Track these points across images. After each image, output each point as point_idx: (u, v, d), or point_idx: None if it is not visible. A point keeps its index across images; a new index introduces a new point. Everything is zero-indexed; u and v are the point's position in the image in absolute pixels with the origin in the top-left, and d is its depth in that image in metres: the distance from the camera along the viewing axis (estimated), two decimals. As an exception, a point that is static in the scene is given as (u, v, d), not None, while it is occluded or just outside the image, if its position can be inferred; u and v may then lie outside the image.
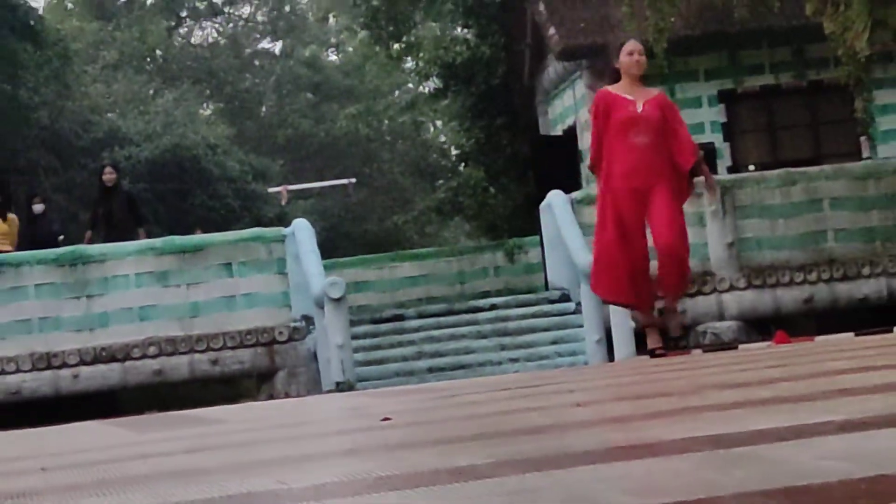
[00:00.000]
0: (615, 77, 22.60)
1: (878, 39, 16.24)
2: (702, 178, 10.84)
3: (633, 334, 17.25)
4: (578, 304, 18.93)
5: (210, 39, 55.91)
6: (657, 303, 10.61)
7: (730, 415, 3.86)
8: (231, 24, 56.99)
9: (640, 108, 10.02)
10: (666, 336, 11.46)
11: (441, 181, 39.20)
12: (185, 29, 55.89)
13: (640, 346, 17.57)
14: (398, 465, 3.35)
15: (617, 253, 10.18)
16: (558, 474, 2.50)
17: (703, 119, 22.50)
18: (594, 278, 11.04)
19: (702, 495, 1.88)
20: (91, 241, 20.54)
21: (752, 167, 22.01)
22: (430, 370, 18.01)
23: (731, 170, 22.51)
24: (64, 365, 17.69)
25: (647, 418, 4.29)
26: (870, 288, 19.17)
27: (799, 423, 3.10)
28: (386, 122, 45.65)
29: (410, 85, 40.31)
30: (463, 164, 33.07)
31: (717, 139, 22.28)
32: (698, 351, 16.70)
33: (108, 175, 21.44)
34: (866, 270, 18.94)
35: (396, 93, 42.33)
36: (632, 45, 10.87)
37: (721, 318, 18.93)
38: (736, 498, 1.83)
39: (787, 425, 3.14)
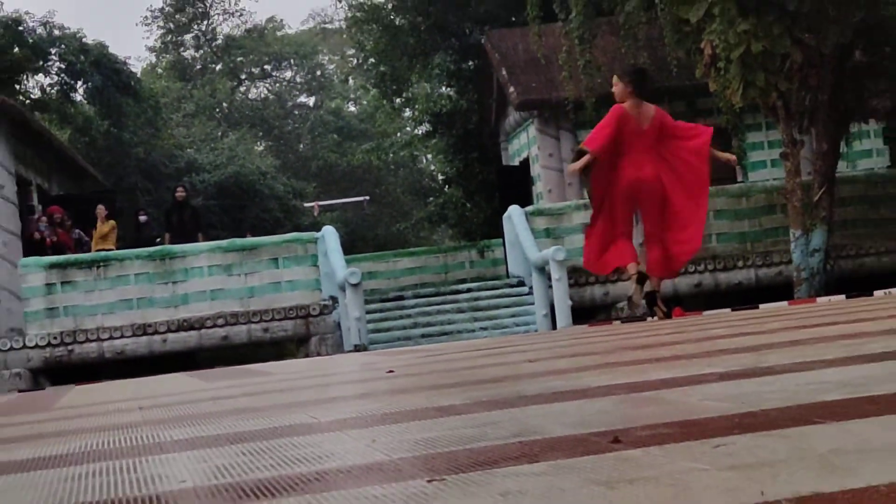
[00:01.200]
0: (557, 124, 22.76)
1: (748, 95, 16.35)
2: (724, 155, 11.03)
3: (570, 310, 18.15)
4: (530, 287, 19.35)
5: (262, 95, 56.08)
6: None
7: (640, 368, 4.01)
8: (277, 84, 57.09)
9: (646, 125, 9.99)
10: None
11: (431, 199, 38.41)
12: (244, 87, 55.62)
13: (576, 319, 18.42)
14: (399, 405, 3.52)
15: (599, 233, 10.22)
16: (514, 412, 2.75)
17: None
18: (592, 263, 11.06)
19: (620, 426, 2.14)
20: (171, 242, 20.52)
21: None
22: (423, 336, 18.45)
23: None
24: (156, 332, 18.23)
25: (580, 370, 4.33)
26: (742, 276, 19.63)
27: (690, 374, 3.30)
28: (391, 155, 44.05)
29: (408, 129, 39.24)
30: (447, 186, 33.02)
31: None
32: (618, 322, 17.04)
33: (179, 193, 22.25)
34: (740, 263, 19.60)
35: (398, 134, 41.79)
36: (613, 78, 10.80)
37: (628, 292, 21.11)
38: (645, 428, 2.07)
39: (681, 375, 3.34)
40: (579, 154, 10.63)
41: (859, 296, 14.83)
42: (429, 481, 1.69)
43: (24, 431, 4.55)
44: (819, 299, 15.72)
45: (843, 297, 15.49)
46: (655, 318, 10.80)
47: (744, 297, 18.31)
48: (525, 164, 24.28)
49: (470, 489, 1.61)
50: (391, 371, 6.15)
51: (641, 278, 10.83)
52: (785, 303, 16.02)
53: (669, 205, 10.45)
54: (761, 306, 15.47)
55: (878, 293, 15.35)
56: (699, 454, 1.71)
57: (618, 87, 10.39)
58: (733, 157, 11.44)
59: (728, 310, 15.44)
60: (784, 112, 17.16)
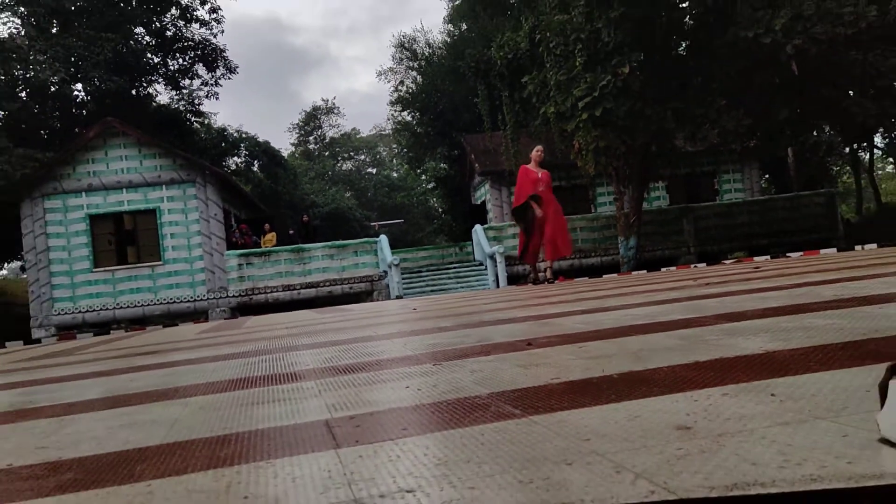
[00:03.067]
0: (500, 183, 23.60)
1: (597, 168, 17.63)
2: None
3: (507, 278, 19.31)
4: (485, 266, 20.40)
5: (349, 168, 62.45)
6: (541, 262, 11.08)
7: (542, 307, 4.27)
8: (356, 162, 63.78)
9: (540, 175, 10.80)
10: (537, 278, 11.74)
11: (435, 221, 40.86)
12: (340, 163, 61.70)
13: (510, 282, 19.50)
14: (418, 326, 3.78)
15: (533, 243, 10.94)
16: (478, 329, 3.04)
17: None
18: (522, 256, 11.61)
19: (531, 337, 2.32)
20: (302, 242, 21.64)
21: None
22: (432, 291, 19.34)
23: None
24: (294, 289, 19.82)
25: (512, 309, 4.55)
26: (594, 261, 21.09)
27: (567, 310, 3.62)
28: (415, 199, 50.12)
29: (424, 185, 43.12)
30: (443, 214, 35.72)
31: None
32: (531, 284, 15.92)
33: (305, 218, 24.45)
34: (593, 254, 21.19)
35: (419, 188, 46.41)
36: (539, 148, 11.16)
37: (545, 270, 19.42)
38: (544, 338, 2.24)
39: (563, 311, 3.65)
40: (515, 213, 11.45)
41: (653, 271, 15.83)
42: (434, 364, 1.95)
43: (227, 339, 4.71)
44: (633, 273, 16.59)
45: (645, 271, 16.48)
46: (548, 282, 11.33)
47: (595, 272, 19.49)
48: (483, 204, 25.68)
49: (455, 368, 1.85)
50: (415, 309, 6.36)
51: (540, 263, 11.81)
52: (616, 274, 16.82)
53: (554, 222, 11.12)
54: (604, 276, 16.20)
55: (662, 270, 16.50)
56: (571, 351, 1.93)
57: (538, 152, 11.05)
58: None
59: (587, 278, 16.31)
60: (615, 177, 18.49)
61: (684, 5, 16.47)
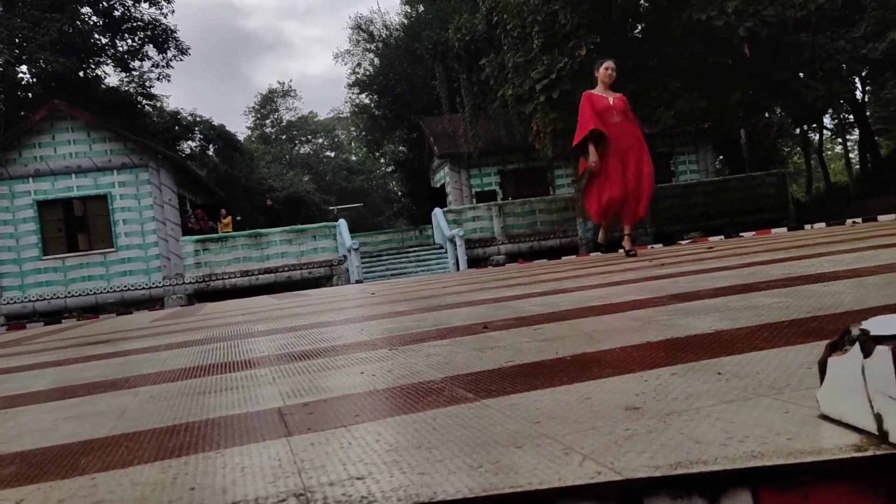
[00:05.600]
0: (459, 166, 23.86)
1: (555, 151, 17.55)
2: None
3: (467, 261, 19.25)
4: (445, 249, 20.32)
5: (307, 151, 62.07)
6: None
7: (499, 290, 4.32)
8: (314, 145, 63.55)
9: (612, 101, 7.41)
10: (618, 246, 8.74)
11: (395, 204, 40.91)
12: (297, 146, 61.26)
13: (472, 265, 19.48)
14: (376, 311, 3.79)
15: (600, 196, 7.32)
16: (434, 313, 3.02)
17: (493, 181, 24.52)
18: (593, 215, 7.62)
19: (487, 320, 2.36)
20: (263, 227, 21.57)
21: (510, 198, 22.81)
22: (391, 275, 19.26)
23: (503, 199, 23.44)
24: (252, 275, 19.71)
25: (470, 292, 4.54)
26: (553, 243, 21.24)
27: (524, 293, 3.63)
28: (375, 182, 50.62)
29: (383, 168, 43.26)
30: (403, 198, 36.13)
31: (497, 188, 24.38)
32: (490, 266, 18.19)
33: (269, 202, 24.20)
34: (552, 236, 21.27)
35: (378, 171, 46.84)
36: (609, 63, 7.58)
37: (499, 254, 21.18)
38: (500, 321, 2.30)
39: (520, 294, 3.66)
40: (574, 153, 8.10)
41: (607, 252, 17.23)
42: (389, 349, 1.95)
43: (182, 327, 4.68)
44: (591, 254, 16.76)
45: (600, 253, 15.99)
46: (630, 255, 7.64)
47: (555, 253, 19.71)
48: (443, 187, 25.70)
49: (410, 353, 1.85)
50: (374, 294, 6.37)
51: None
52: (574, 256, 17.33)
53: (639, 173, 7.71)
54: (563, 258, 16.52)
55: (620, 251, 17.68)
56: (526, 334, 1.94)
57: (608, 70, 7.57)
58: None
59: (545, 260, 16.83)
60: (574, 159, 16.45)
61: (641, -13, 16.33)
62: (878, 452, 0.72)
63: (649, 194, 7.46)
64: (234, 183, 37.13)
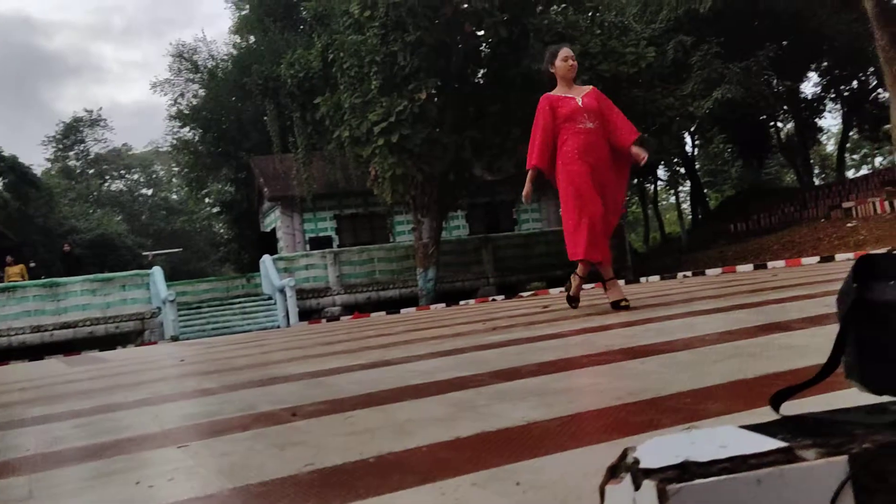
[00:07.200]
0: (291, 209, 23.63)
1: (394, 197, 17.93)
2: (637, 148, 5.64)
3: (299, 313, 19.11)
4: (275, 301, 20.09)
5: (120, 188, 59.80)
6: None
7: (321, 358, 4.46)
8: (129, 182, 60.80)
9: (580, 102, 5.83)
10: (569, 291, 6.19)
11: (221, 248, 39.88)
12: (108, 183, 58.93)
13: (304, 317, 19.33)
14: (179, 388, 3.69)
15: (578, 221, 5.61)
16: (243, 393, 2.91)
17: (328, 226, 24.56)
18: (568, 248, 5.74)
19: (299, 404, 2.54)
20: (62, 276, 20.62)
21: (346, 245, 23.05)
22: (213, 329, 18.97)
23: (339, 246, 23.67)
24: (45, 330, 19.05)
25: (289, 362, 4.63)
26: (392, 294, 21.61)
27: (346, 364, 3.93)
28: (198, 224, 49.48)
29: (209, 209, 42.41)
30: (230, 242, 35.44)
31: (332, 234, 24.57)
32: (324, 320, 18.69)
33: (66, 247, 23.94)
34: (391, 286, 21.61)
35: (203, 211, 45.39)
36: (566, 51, 6.07)
37: (334, 305, 21.22)
38: (312, 405, 2.27)
39: (343, 365, 3.87)
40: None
41: (451, 304, 16.48)
42: (178, 447, 1.83)
43: None
44: (432, 306, 17.36)
45: (444, 305, 17.23)
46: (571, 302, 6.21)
47: (395, 305, 19.92)
48: (273, 231, 25.74)
49: (199, 453, 1.77)
50: (183, 360, 6.05)
51: None
52: (414, 308, 17.56)
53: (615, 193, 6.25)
54: (402, 311, 16.93)
55: (462, 302, 17.62)
56: (336, 424, 1.92)
57: (566, 61, 6.03)
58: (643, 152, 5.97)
59: (384, 313, 16.94)
60: (413, 205, 19.20)
61: (481, 34, 17.21)
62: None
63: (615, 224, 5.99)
64: (29, 223, 35.04)
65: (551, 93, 5.91)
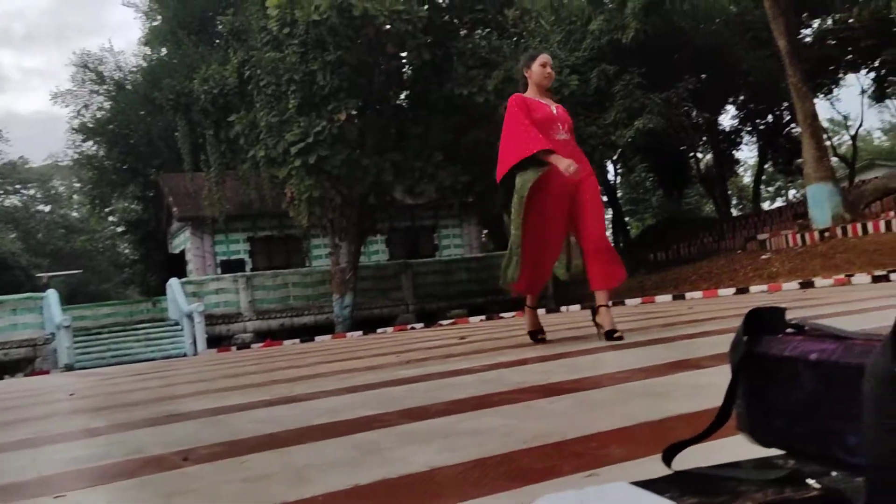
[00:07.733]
0: (202, 231, 23.34)
1: (311, 220, 18.02)
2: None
3: (207, 340, 18.87)
4: (182, 326, 19.78)
5: (14, 204, 56.57)
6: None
7: (224, 393, 4.38)
8: (25, 197, 58.22)
9: (555, 111, 5.38)
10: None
11: (126, 269, 39.67)
12: (6, 199, 56.20)
13: (213, 344, 18.91)
14: (65, 426, 3.42)
15: (530, 260, 5.38)
16: (136, 434, 2.81)
17: (241, 249, 24.45)
18: (510, 279, 5.48)
19: (192, 446, 2.32)
20: None
21: (260, 269, 23.02)
22: (113, 357, 18.72)
23: (253, 269, 23.56)
24: None
25: (190, 397, 4.67)
26: (307, 319, 21.54)
27: (250, 400, 3.85)
28: (101, 244, 48.18)
29: (113, 227, 41.52)
30: (136, 263, 35.25)
31: (245, 257, 24.46)
32: (234, 348, 18.51)
33: None
34: (306, 312, 21.61)
35: (107, 230, 44.34)
36: (545, 57, 5.60)
37: (245, 331, 21.05)
38: (207, 447, 2.18)
39: (243, 402, 3.77)
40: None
41: (368, 332, 16.63)
42: (54, 498, 1.75)
43: None
44: (348, 334, 17.47)
45: (361, 332, 17.24)
46: (611, 337, 5.09)
47: (309, 332, 19.91)
48: (182, 253, 25.43)
49: (88, 499, 1.72)
50: (73, 394, 5.86)
51: None
52: (330, 336, 17.56)
53: (594, 213, 5.78)
54: (317, 338, 17.00)
55: (379, 330, 17.46)
56: (231, 469, 1.86)
57: (543, 66, 5.59)
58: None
59: (298, 340, 16.91)
60: (331, 229, 19.26)
61: (404, 55, 17.46)
62: None
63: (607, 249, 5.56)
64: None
65: (524, 94, 5.47)
